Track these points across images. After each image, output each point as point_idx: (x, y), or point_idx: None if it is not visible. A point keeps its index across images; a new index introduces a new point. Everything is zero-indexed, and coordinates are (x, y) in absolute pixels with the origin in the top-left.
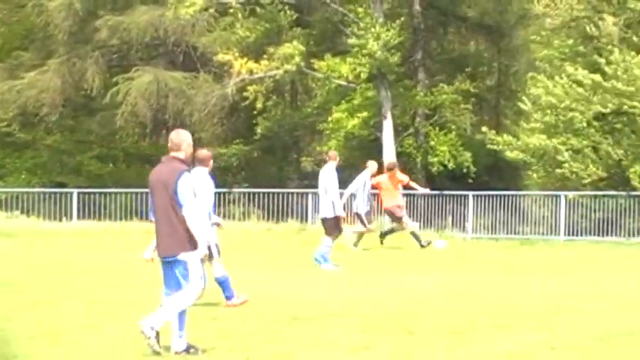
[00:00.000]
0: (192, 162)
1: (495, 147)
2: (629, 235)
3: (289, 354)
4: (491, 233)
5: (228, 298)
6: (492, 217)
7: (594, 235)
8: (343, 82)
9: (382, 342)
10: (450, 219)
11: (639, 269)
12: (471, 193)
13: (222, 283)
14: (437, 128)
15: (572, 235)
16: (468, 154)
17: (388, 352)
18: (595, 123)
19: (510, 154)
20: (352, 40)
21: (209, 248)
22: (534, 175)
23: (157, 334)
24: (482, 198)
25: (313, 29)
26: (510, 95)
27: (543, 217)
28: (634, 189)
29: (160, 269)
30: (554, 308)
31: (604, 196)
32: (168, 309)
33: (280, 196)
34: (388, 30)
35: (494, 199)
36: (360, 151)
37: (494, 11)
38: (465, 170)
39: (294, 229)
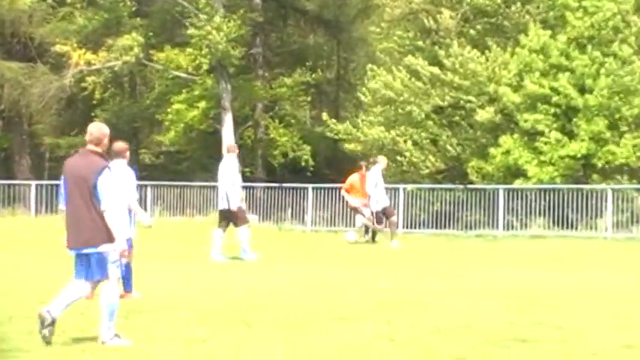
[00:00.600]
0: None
1: (335, 136)
2: (466, 228)
3: (126, 347)
4: (330, 226)
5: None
6: (332, 210)
7: (432, 227)
8: (183, 74)
9: (220, 335)
10: (289, 211)
11: (476, 262)
12: (310, 186)
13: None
14: (277, 121)
15: (411, 227)
16: (307, 147)
17: (225, 344)
18: (433, 116)
19: (349, 146)
20: (192, 31)
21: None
22: None
23: (116, 335)
24: (322, 190)
25: (153, 20)
26: (350, 88)
27: None
28: (471, 182)
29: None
30: (393, 301)
31: (442, 189)
32: (108, 308)
33: None
34: (229, 22)
35: (334, 191)
36: (199, 143)
37: (334, 5)
38: (304, 163)
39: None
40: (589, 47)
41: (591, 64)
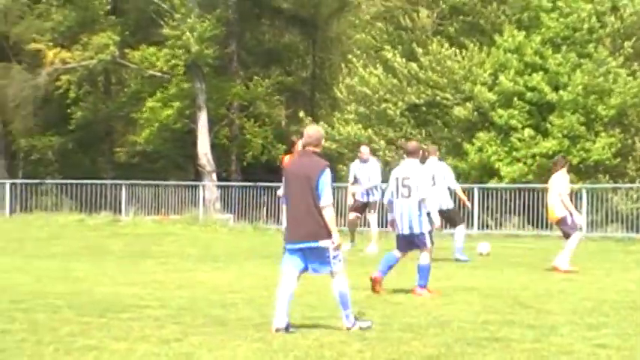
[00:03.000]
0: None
1: None
2: (441, 227)
3: (99, 347)
4: None
5: (420, 286)
6: None
7: None
8: (157, 73)
9: (194, 333)
10: (264, 210)
11: (450, 260)
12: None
13: (423, 271)
14: (252, 120)
15: (380, 226)
16: (282, 147)
17: (200, 343)
18: (408, 114)
19: (324, 144)
20: (167, 31)
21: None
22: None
23: (356, 318)
24: None
25: (128, 18)
26: (325, 87)
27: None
28: None
29: (287, 253)
30: (365, 300)
31: None
32: (342, 298)
33: (93, 187)
34: (203, 22)
35: None
36: (174, 143)
37: (309, 3)
38: (279, 162)
39: (106, 220)
40: (563, 48)
41: (565, 62)
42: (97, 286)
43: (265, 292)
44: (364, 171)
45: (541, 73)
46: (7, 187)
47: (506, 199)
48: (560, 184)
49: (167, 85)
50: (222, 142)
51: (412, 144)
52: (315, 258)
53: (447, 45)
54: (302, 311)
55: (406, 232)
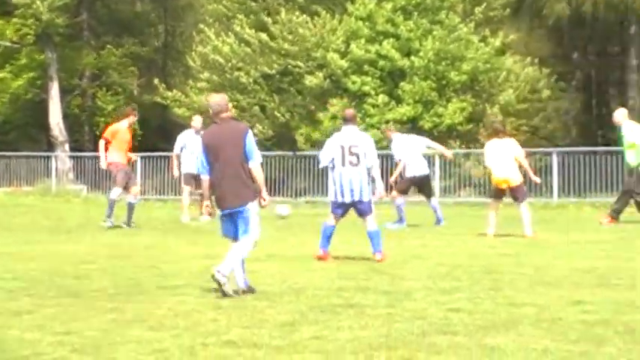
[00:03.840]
0: None
1: (164, 101)
2: (296, 195)
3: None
4: (160, 194)
5: (378, 251)
6: (160, 178)
7: None
8: (7, 43)
9: (47, 305)
10: None
11: (305, 228)
12: (138, 155)
13: (376, 236)
14: (104, 89)
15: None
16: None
17: (52, 315)
18: (262, 82)
19: (178, 111)
20: (16, 0)
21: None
22: None
23: (227, 279)
24: (151, 159)
25: None
26: (178, 56)
27: None
28: (300, 149)
29: (221, 222)
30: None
31: (271, 156)
32: (234, 257)
33: None
34: None
35: (162, 160)
36: (25, 113)
37: None
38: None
39: None
40: (415, 15)
41: (417, 29)
42: None
43: (119, 262)
44: (198, 143)
45: (392, 40)
46: None
47: None
48: (514, 148)
49: (17, 55)
50: (74, 112)
51: (349, 111)
52: (243, 222)
53: (297, 13)
54: (157, 281)
55: (356, 198)
